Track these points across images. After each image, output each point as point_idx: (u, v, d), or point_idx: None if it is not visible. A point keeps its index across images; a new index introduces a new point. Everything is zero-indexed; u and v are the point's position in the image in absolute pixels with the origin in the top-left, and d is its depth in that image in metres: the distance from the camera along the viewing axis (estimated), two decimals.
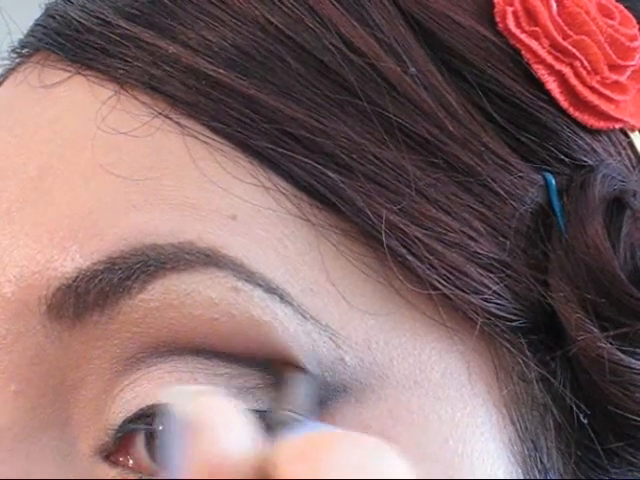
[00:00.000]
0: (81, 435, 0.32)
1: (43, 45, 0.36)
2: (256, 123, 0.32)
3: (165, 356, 0.31)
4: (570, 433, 0.33)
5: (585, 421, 0.33)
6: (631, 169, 0.36)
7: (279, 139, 0.32)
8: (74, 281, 0.31)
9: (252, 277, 0.31)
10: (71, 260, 0.32)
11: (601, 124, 0.36)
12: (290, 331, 0.31)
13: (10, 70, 0.37)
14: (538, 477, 0.33)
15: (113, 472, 0.32)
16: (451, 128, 0.33)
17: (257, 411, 0.31)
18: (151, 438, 0.31)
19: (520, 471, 0.33)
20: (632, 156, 0.37)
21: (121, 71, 0.34)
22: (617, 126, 0.36)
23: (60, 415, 0.32)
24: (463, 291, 0.32)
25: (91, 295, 0.31)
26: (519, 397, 0.33)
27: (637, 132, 0.37)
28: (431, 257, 0.32)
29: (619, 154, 0.36)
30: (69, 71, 0.35)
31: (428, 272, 0.32)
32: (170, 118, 0.33)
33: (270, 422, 0.31)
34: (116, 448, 0.32)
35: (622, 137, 0.37)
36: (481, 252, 0.33)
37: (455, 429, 0.32)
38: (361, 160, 0.32)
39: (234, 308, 0.31)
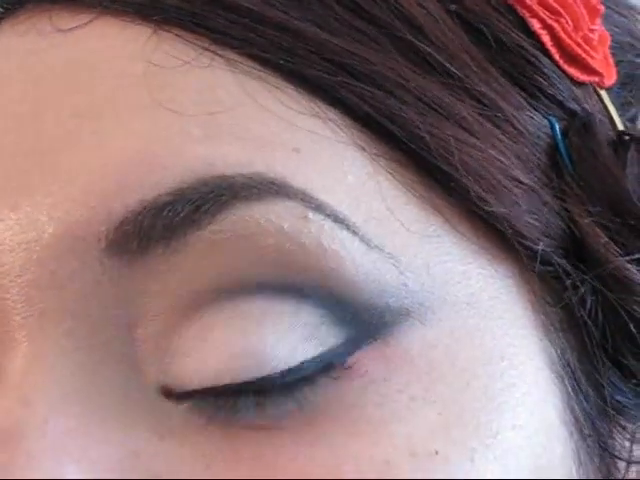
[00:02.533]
0: (142, 372, 0.31)
1: None
2: (305, 54, 0.33)
3: (227, 298, 0.31)
4: (598, 355, 0.35)
5: (615, 339, 0.35)
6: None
7: (330, 69, 0.33)
8: (139, 214, 0.30)
9: (321, 207, 0.31)
10: (134, 193, 0.30)
11: (584, 77, 0.39)
12: (357, 260, 0.31)
13: None
14: (574, 397, 0.35)
15: (178, 408, 0.31)
16: (475, 68, 0.35)
17: (320, 355, 0.31)
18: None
19: (561, 389, 0.34)
20: (603, 110, 0.40)
21: (155, 9, 0.33)
22: (596, 79, 0.39)
23: (118, 352, 0.31)
24: (512, 213, 0.33)
25: (157, 229, 0.30)
26: (552, 320, 0.35)
27: (604, 90, 0.40)
28: (484, 181, 0.33)
29: (595, 106, 0.39)
30: (90, 13, 0.34)
31: (481, 193, 0.33)
32: (217, 54, 0.32)
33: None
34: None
35: (594, 92, 0.40)
36: (520, 179, 0.34)
37: (507, 348, 0.33)
38: (409, 89, 0.33)
39: (305, 237, 0.31)
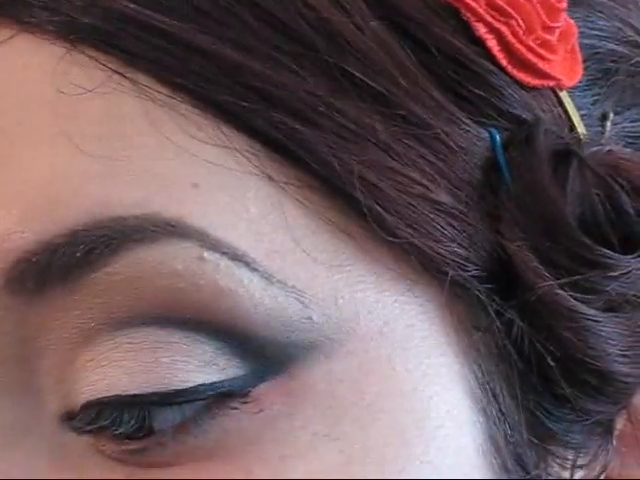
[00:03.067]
0: (45, 402, 0.32)
1: None
2: (216, 77, 0.32)
3: (123, 329, 0.31)
4: (526, 381, 0.34)
5: (542, 365, 0.33)
6: (561, 126, 0.37)
7: (240, 93, 0.32)
8: (35, 254, 0.30)
9: (217, 245, 0.31)
10: (31, 232, 0.31)
11: (536, 82, 0.37)
12: (255, 297, 0.31)
13: None
14: (497, 425, 0.34)
15: (80, 440, 0.32)
16: (404, 83, 0.33)
17: (221, 382, 0.31)
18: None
19: (481, 420, 0.33)
20: (562, 113, 0.38)
21: (71, 28, 0.32)
22: (551, 84, 0.37)
23: (21, 383, 0.32)
24: (429, 239, 0.32)
25: (53, 269, 0.30)
26: (478, 346, 0.34)
27: (565, 92, 0.38)
28: (398, 207, 0.32)
29: (551, 111, 0.37)
30: (11, 30, 0.33)
31: (396, 222, 0.32)
32: (127, 77, 0.32)
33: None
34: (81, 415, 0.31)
35: (552, 96, 0.38)
36: (442, 201, 0.33)
37: (422, 379, 0.32)
38: (323, 112, 0.32)
39: (200, 278, 0.31)
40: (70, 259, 0.30)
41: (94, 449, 0.31)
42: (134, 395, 0.31)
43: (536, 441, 0.34)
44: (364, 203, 0.32)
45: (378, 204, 0.32)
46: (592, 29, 0.41)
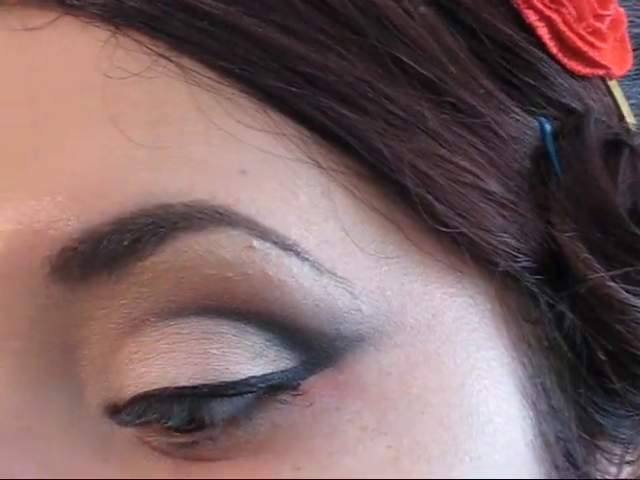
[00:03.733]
0: (88, 393, 0.31)
1: None
2: (263, 61, 0.31)
3: (170, 319, 0.30)
4: (577, 375, 0.33)
5: (593, 358, 0.33)
6: (611, 115, 0.37)
7: (288, 77, 0.31)
8: (80, 243, 0.30)
9: (267, 234, 0.30)
10: (76, 220, 0.30)
11: (587, 70, 0.36)
12: (305, 288, 0.30)
13: None
14: (547, 420, 0.33)
15: (123, 431, 0.31)
16: (453, 70, 0.33)
17: (271, 373, 0.30)
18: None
19: (531, 414, 0.33)
20: (611, 103, 0.37)
21: (116, 11, 0.32)
22: (601, 72, 0.36)
23: (64, 373, 0.31)
24: (480, 229, 0.32)
25: (99, 257, 0.30)
26: (528, 339, 0.33)
27: (614, 81, 0.38)
28: (449, 196, 0.31)
29: (601, 101, 0.37)
30: (55, 12, 0.32)
31: (447, 211, 0.31)
32: (172, 61, 0.31)
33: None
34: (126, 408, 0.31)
35: (601, 85, 0.37)
36: (493, 191, 0.32)
37: (470, 373, 0.32)
38: (372, 99, 0.31)
39: (249, 267, 0.30)
40: (116, 247, 0.30)
41: (139, 441, 0.31)
42: (183, 387, 0.30)
43: (586, 436, 0.33)
44: (414, 191, 0.31)
45: (428, 192, 0.31)
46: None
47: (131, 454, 0.31)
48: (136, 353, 0.30)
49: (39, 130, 0.31)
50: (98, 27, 0.32)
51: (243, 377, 0.30)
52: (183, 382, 0.30)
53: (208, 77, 0.31)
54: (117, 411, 0.31)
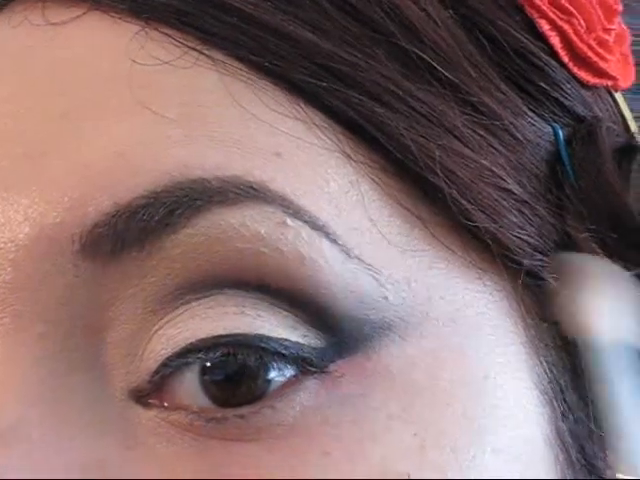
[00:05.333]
0: (112, 377, 0.31)
1: None
2: (293, 57, 0.32)
3: (204, 291, 0.30)
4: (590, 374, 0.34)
5: None
6: (617, 124, 0.38)
7: (318, 73, 0.32)
8: (113, 217, 0.30)
9: (300, 213, 0.31)
10: (108, 196, 0.30)
11: (596, 80, 0.37)
12: (335, 269, 0.31)
13: None
14: (564, 417, 0.34)
15: (149, 414, 0.31)
16: (473, 73, 0.34)
17: (303, 344, 0.30)
18: (201, 374, 0.30)
19: (549, 411, 0.33)
20: (617, 113, 0.38)
21: (145, 6, 0.32)
22: (609, 83, 0.38)
23: (89, 357, 0.31)
24: (502, 227, 0.32)
25: (131, 232, 0.30)
26: (544, 337, 0.34)
27: (619, 92, 0.39)
28: (474, 193, 0.32)
29: (607, 110, 0.38)
30: (81, 8, 0.33)
31: (472, 208, 0.32)
32: (204, 53, 0.32)
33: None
34: (151, 389, 0.31)
35: (607, 95, 0.38)
36: (513, 191, 0.33)
37: (492, 366, 0.32)
38: (399, 96, 0.32)
39: (282, 243, 0.30)
40: (149, 221, 0.30)
41: (164, 423, 0.30)
42: (218, 336, 0.30)
43: (598, 431, 0.34)
44: (442, 188, 0.32)
45: (455, 189, 0.32)
46: None
47: (155, 439, 0.30)
48: (169, 322, 0.30)
49: (70, 119, 0.31)
50: (128, 22, 0.32)
51: (277, 336, 0.30)
52: (219, 331, 0.30)
53: (240, 69, 0.32)
54: (142, 391, 0.31)
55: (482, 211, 0.32)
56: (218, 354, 0.30)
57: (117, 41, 0.32)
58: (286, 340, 0.30)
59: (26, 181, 0.31)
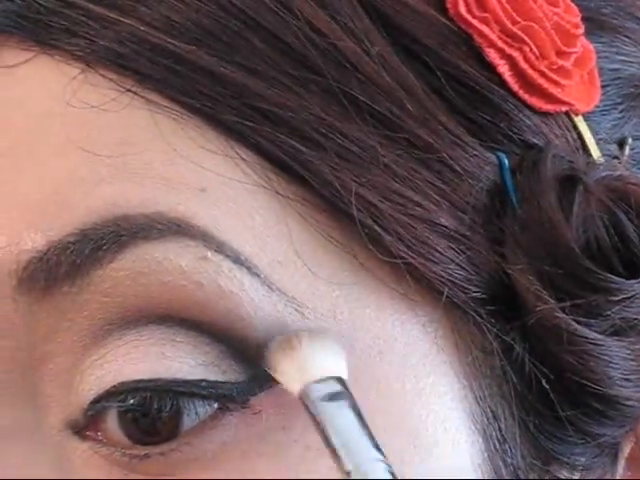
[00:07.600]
0: (50, 409, 0.33)
1: (2, 27, 0.36)
2: (223, 98, 0.33)
3: (131, 327, 0.32)
4: (527, 403, 0.34)
5: (544, 387, 0.34)
6: (575, 150, 0.38)
7: (247, 114, 0.33)
8: (45, 253, 0.32)
9: (221, 248, 0.32)
10: (42, 234, 0.32)
11: (549, 107, 0.37)
12: (255, 302, 0.32)
13: None
14: (497, 446, 0.34)
15: (83, 446, 0.32)
16: (410, 107, 0.34)
17: (222, 382, 0.32)
18: (123, 414, 0.32)
19: (480, 440, 0.34)
20: (576, 138, 0.38)
21: (87, 50, 0.34)
22: (563, 109, 0.38)
23: (28, 390, 0.33)
24: (427, 260, 0.33)
25: (62, 266, 0.32)
26: (479, 367, 0.34)
27: (580, 116, 0.39)
28: (397, 228, 0.33)
29: (564, 136, 0.38)
30: (32, 51, 0.35)
31: (395, 242, 0.33)
32: (138, 94, 0.33)
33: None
34: (86, 423, 0.32)
35: (567, 120, 0.38)
36: (443, 224, 0.34)
37: (419, 398, 0.33)
38: (327, 134, 0.33)
39: (203, 277, 0.32)
40: (78, 257, 0.31)
41: (95, 455, 0.32)
42: (139, 380, 0.31)
43: (538, 463, 0.34)
44: (360, 220, 0.32)
45: (376, 223, 0.33)
46: (617, 54, 0.41)
47: (87, 470, 0.32)
48: (97, 360, 0.32)
49: (8, 158, 0.33)
50: (70, 65, 0.34)
51: (196, 378, 0.32)
52: (139, 376, 0.32)
53: (171, 109, 0.33)
54: (78, 424, 0.33)
55: (406, 245, 0.33)
56: (137, 398, 0.32)
57: (57, 84, 0.34)
58: (204, 381, 0.31)
59: None
